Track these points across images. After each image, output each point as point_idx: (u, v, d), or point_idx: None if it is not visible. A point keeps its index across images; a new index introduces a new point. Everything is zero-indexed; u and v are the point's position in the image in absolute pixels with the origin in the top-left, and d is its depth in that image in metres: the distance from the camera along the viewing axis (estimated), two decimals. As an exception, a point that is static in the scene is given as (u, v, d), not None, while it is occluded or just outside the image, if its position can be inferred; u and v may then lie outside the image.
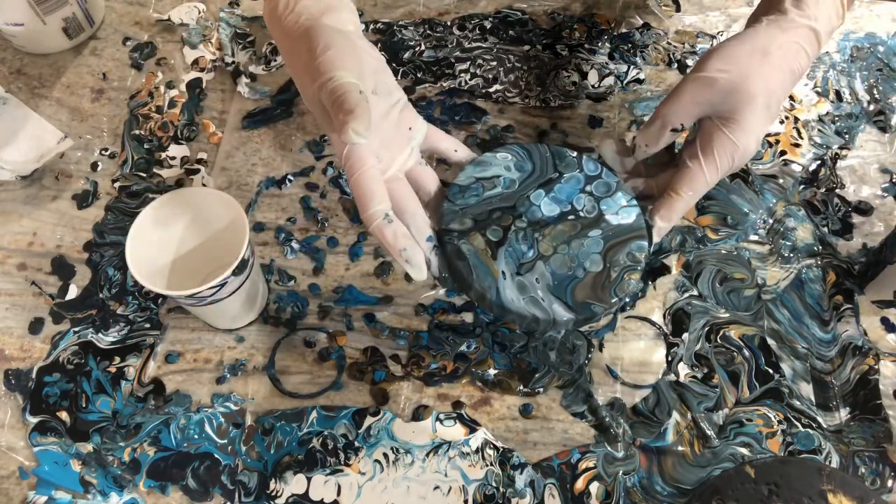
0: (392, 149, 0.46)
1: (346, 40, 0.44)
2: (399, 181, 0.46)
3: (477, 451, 0.49)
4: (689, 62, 0.66)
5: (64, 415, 0.50)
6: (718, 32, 0.68)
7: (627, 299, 0.46)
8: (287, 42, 0.46)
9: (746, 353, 0.52)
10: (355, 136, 0.40)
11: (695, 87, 0.47)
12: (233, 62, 0.65)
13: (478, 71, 0.65)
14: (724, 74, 0.46)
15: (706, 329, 0.53)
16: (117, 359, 0.52)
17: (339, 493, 0.48)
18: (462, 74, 0.65)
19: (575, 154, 0.50)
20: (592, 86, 0.64)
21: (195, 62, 0.66)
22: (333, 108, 0.41)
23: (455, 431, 0.50)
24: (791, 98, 0.64)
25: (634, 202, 0.48)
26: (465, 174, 0.48)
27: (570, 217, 0.47)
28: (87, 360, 0.52)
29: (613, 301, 0.45)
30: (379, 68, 0.46)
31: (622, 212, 0.48)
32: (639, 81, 0.65)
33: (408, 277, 0.55)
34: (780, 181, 0.60)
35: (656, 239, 0.48)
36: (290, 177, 0.60)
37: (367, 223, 0.42)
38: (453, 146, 0.49)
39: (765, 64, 0.47)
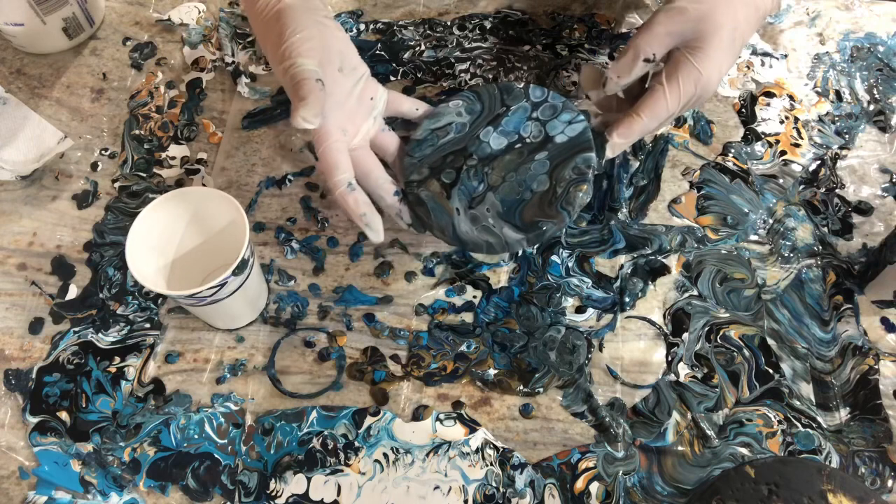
0: (356, 121, 0.50)
1: (315, 23, 0.47)
2: (363, 149, 0.50)
3: (477, 451, 0.49)
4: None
5: (64, 415, 0.50)
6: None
7: (578, 211, 0.49)
8: (261, 24, 0.49)
9: (746, 353, 0.52)
10: (304, 122, 0.45)
11: (667, 17, 0.49)
12: (233, 62, 0.65)
13: (478, 71, 0.65)
14: (694, 4, 0.49)
15: (706, 329, 0.53)
16: (117, 359, 0.52)
17: (339, 493, 0.48)
18: (462, 74, 0.65)
19: (522, 85, 0.53)
20: (592, 86, 0.64)
21: (195, 62, 0.66)
22: (291, 93, 0.46)
23: (455, 431, 0.50)
24: (791, 98, 0.64)
25: (581, 118, 0.51)
26: (421, 128, 0.53)
27: (518, 146, 0.51)
28: (87, 360, 0.52)
29: (562, 214, 0.48)
30: (343, 48, 0.49)
31: (567, 129, 0.51)
32: (639, 81, 0.65)
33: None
34: (780, 181, 0.60)
35: (609, 154, 0.51)
36: (290, 177, 0.60)
37: (332, 191, 0.47)
38: (414, 106, 0.54)
39: None
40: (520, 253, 0.56)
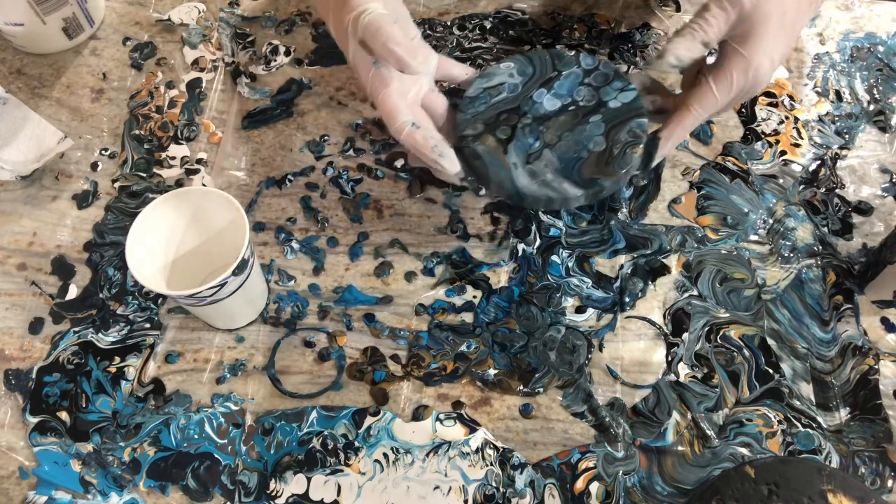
0: (410, 77, 0.51)
1: None
2: (415, 106, 0.51)
3: (477, 451, 0.49)
4: (689, 62, 0.66)
5: (64, 415, 0.50)
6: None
7: (634, 172, 0.52)
8: None
9: (746, 353, 0.52)
10: (418, 68, 0.46)
11: (718, 6, 0.49)
12: (233, 62, 0.65)
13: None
14: None
15: (706, 329, 0.53)
16: (117, 359, 0.52)
17: (339, 493, 0.48)
18: (462, 74, 0.65)
19: (573, 53, 0.56)
20: (592, 86, 0.64)
21: (195, 62, 0.66)
22: (371, 37, 0.46)
23: (455, 431, 0.50)
24: (791, 98, 0.64)
25: (633, 86, 0.54)
26: (473, 87, 0.55)
27: (571, 108, 0.53)
28: (87, 360, 0.52)
29: (620, 173, 0.50)
30: (398, 7, 0.50)
31: (620, 96, 0.53)
32: (639, 81, 0.65)
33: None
34: (780, 181, 0.60)
35: (662, 150, 0.52)
36: (290, 177, 0.60)
37: (397, 134, 0.48)
38: (464, 71, 0.55)
39: None
40: (520, 252, 0.56)
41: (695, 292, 0.55)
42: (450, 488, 0.48)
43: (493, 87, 0.54)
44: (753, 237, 0.57)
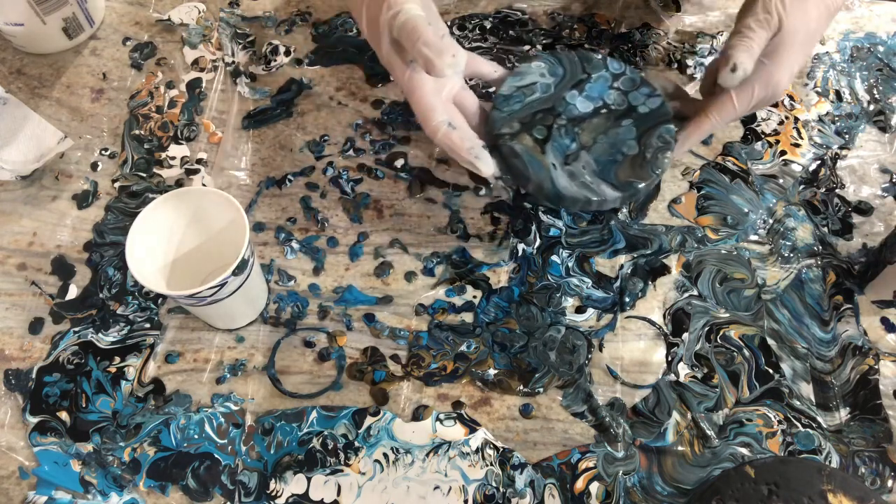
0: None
1: None
2: (448, 104, 0.52)
3: (477, 451, 0.49)
4: (689, 62, 0.66)
5: (64, 415, 0.50)
6: (718, 32, 0.68)
7: (661, 175, 0.53)
8: None
9: (746, 353, 0.52)
10: (448, 70, 0.46)
11: (757, 24, 0.50)
12: (233, 62, 0.65)
13: (478, 71, 0.65)
14: (774, 14, 0.50)
15: (706, 329, 0.53)
16: (117, 359, 0.52)
17: (339, 493, 0.48)
18: (462, 74, 0.65)
19: (600, 56, 0.57)
20: (592, 86, 0.64)
21: (195, 62, 0.66)
22: (406, 38, 0.47)
23: (455, 431, 0.50)
24: (791, 98, 0.64)
25: (659, 93, 0.55)
26: (506, 85, 0.55)
27: (603, 111, 0.54)
28: (87, 360, 0.52)
29: (652, 177, 0.52)
30: (430, 3, 0.50)
31: (648, 102, 0.55)
32: (639, 81, 0.65)
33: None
34: (780, 181, 0.60)
35: (676, 152, 0.54)
36: (290, 177, 0.60)
37: (433, 134, 0.49)
38: (493, 69, 0.56)
39: (806, 0, 0.50)
40: (520, 252, 0.56)
41: (695, 292, 0.55)
42: (450, 488, 0.48)
43: (526, 87, 0.55)
44: (753, 237, 0.57)
